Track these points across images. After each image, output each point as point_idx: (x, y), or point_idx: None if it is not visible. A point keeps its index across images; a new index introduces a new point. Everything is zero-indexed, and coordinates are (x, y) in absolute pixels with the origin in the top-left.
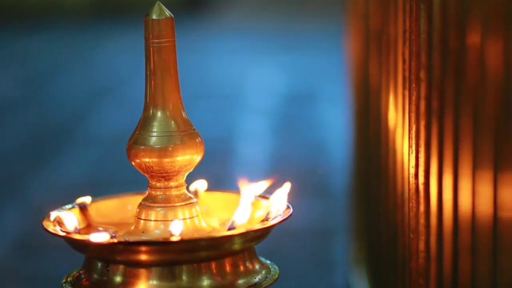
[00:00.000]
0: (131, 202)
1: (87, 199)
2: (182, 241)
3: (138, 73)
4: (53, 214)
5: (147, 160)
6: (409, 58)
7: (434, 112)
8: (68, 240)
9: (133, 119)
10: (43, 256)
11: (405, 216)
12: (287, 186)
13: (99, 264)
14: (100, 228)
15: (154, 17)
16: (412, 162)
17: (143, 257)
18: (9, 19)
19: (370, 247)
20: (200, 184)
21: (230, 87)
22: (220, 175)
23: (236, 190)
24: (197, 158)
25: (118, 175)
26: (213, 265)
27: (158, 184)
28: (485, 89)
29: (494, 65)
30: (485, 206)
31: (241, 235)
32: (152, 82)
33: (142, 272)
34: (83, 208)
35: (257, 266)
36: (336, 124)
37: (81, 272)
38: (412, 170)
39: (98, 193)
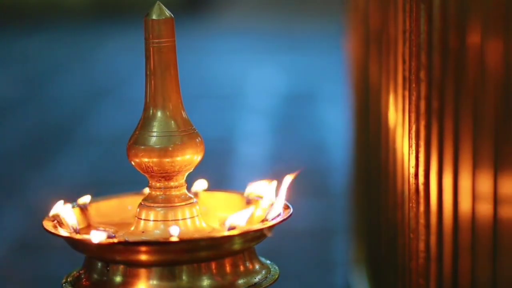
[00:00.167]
0: (131, 202)
1: (86, 199)
2: (182, 241)
3: (138, 73)
4: (52, 213)
5: (147, 160)
6: (409, 58)
7: (434, 112)
8: (68, 240)
9: (133, 119)
10: (43, 256)
11: (405, 216)
12: (287, 181)
13: (99, 264)
14: (100, 228)
15: (154, 17)
16: (412, 162)
17: (143, 257)
18: (9, 19)
19: (370, 247)
20: (200, 184)
21: (230, 87)
22: (220, 175)
23: (235, 190)
24: (197, 158)
25: (118, 175)
26: (213, 265)
27: (158, 184)
28: (485, 89)
29: (494, 65)
30: (485, 206)
31: (241, 235)
32: (152, 82)
33: (142, 272)
34: (83, 208)
35: (257, 266)
36: (336, 124)
37: (81, 272)
38: (412, 170)
39: (98, 193)
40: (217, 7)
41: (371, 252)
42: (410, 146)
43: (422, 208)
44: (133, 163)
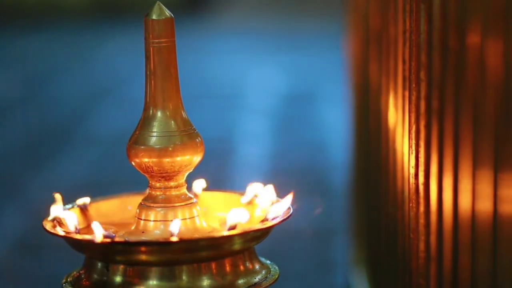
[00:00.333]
0: (131, 202)
1: (86, 200)
2: (182, 241)
3: (138, 73)
4: (53, 213)
5: (147, 160)
6: (409, 58)
7: (434, 112)
8: (68, 240)
9: (133, 119)
10: (43, 256)
11: (405, 216)
12: (289, 198)
13: (99, 264)
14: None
15: (154, 17)
16: (412, 162)
17: (143, 257)
18: (9, 19)
19: (370, 247)
20: (200, 184)
21: (230, 87)
22: (220, 175)
23: (235, 190)
24: (197, 158)
25: (118, 175)
26: (213, 265)
27: (158, 184)
28: (485, 89)
29: (494, 65)
30: (485, 206)
31: (241, 235)
32: (152, 82)
33: (142, 272)
34: (83, 208)
35: (257, 266)
36: (336, 124)
37: (81, 272)
38: (412, 170)
39: (98, 193)
40: (217, 7)
41: (371, 252)
42: (410, 146)
43: (422, 208)
44: (133, 163)
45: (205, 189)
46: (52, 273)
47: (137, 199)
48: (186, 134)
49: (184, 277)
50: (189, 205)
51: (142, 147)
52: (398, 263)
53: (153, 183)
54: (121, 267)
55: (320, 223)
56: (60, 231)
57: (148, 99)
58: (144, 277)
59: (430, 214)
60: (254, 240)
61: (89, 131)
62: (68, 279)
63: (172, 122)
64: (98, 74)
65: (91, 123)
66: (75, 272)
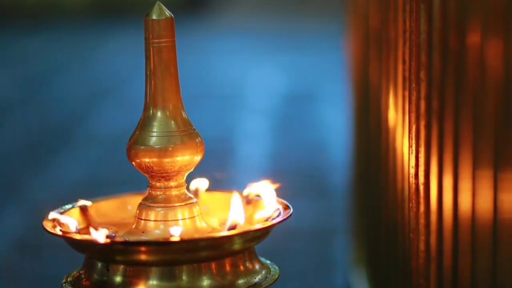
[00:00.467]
0: (131, 202)
1: (87, 203)
2: (182, 241)
3: (138, 73)
4: (53, 215)
5: (147, 160)
6: (409, 58)
7: (434, 112)
8: (68, 240)
9: (133, 119)
10: (43, 256)
11: (405, 216)
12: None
13: (99, 264)
14: (101, 228)
15: (154, 17)
16: (412, 162)
17: (143, 257)
18: (9, 19)
19: (370, 247)
20: (201, 183)
21: (230, 87)
22: (220, 175)
23: (235, 190)
24: (197, 158)
25: (118, 175)
26: (213, 265)
27: (158, 184)
28: (485, 89)
29: (494, 65)
30: (485, 206)
31: (241, 235)
32: (152, 82)
33: (142, 272)
34: (83, 208)
35: (257, 266)
36: (336, 124)
37: (81, 272)
38: (412, 170)
39: (98, 193)
40: (217, 7)
41: (371, 252)
42: (410, 146)
43: (422, 208)
44: (133, 163)
45: (206, 189)
46: (52, 273)
47: (137, 199)
48: (186, 134)
49: (184, 277)
50: (189, 205)
51: (142, 147)
52: (398, 263)
53: (153, 183)
54: (121, 267)
55: (320, 223)
56: (60, 231)
57: (148, 99)
58: (144, 277)
59: (430, 214)
60: (254, 240)
61: (89, 131)
62: (68, 279)
63: (172, 122)
64: (98, 74)
65: (91, 123)
66: (75, 272)
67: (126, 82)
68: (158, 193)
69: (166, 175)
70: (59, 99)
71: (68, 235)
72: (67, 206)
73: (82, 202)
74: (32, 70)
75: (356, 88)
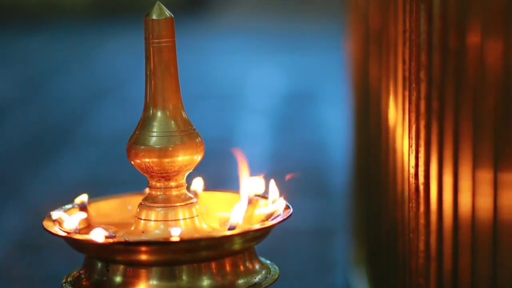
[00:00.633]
0: (131, 202)
1: (83, 198)
2: (182, 241)
3: (138, 73)
4: (53, 215)
5: (147, 160)
6: (409, 58)
7: (434, 112)
8: (68, 240)
9: (133, 119)
10: (43, 256)
11: (405, 216)
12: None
13: (99, 264)
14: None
15: (154, 17)
16: (412, 162)
17: (143, 257)
18: (9, 19)
19: (370, 247)
20: (198, 182)
21: (230, 87)
22: (220, 175)
23: (235, 190)
24: (197, 158)
25: (118, 175)
26: (213, 265)
27: (158, 184)
28: (485, 89)
29: (494, 65)
30: (485, 206)
31: (241, 235)
32: (152, 82)
33: (142, 272)
34: (83, 208)
35: (257, 266)
36: (336, 124)
37: (81, 272)
38: (412, 170)
39: (98, 193)
40: (217, 7)
41: (371, 252)
42: (410, 146)
43: (422, 208)
44: (133, 163)
45: (204, 189)
46: (52, 273)
47: (137, 199)
48: (186, 134)
49: (184, 277)
50: (189, 205)
51: (142, 147)
52: (398, 263)
53: (153, 183)
54: (121, 267)
55: (320, 223)
56: (60, 231)
57: (148, 99)
58: (144, 277)
59: (430, 214)
60: (254, 240)
61: (89, 131)
62: (68, 279)
63: (172, 122)
64: (98, 74)
65: (91, 123)
66: (75, 272)
67: (126, 82)
68: (158, 193)
69: (166, 175)
70: (59, 99)
71: (68, 235)
72: (67, 206)
73: (79, 198)
74: (32, 70)
75: (356, 88)
